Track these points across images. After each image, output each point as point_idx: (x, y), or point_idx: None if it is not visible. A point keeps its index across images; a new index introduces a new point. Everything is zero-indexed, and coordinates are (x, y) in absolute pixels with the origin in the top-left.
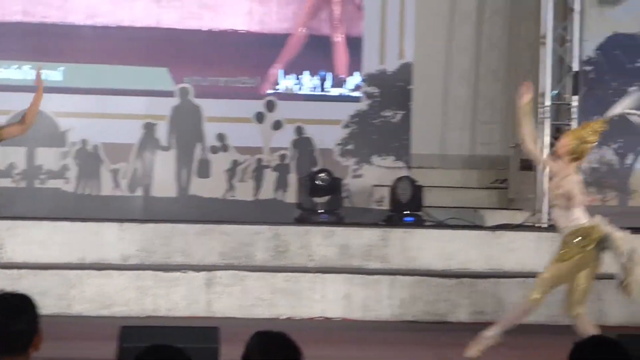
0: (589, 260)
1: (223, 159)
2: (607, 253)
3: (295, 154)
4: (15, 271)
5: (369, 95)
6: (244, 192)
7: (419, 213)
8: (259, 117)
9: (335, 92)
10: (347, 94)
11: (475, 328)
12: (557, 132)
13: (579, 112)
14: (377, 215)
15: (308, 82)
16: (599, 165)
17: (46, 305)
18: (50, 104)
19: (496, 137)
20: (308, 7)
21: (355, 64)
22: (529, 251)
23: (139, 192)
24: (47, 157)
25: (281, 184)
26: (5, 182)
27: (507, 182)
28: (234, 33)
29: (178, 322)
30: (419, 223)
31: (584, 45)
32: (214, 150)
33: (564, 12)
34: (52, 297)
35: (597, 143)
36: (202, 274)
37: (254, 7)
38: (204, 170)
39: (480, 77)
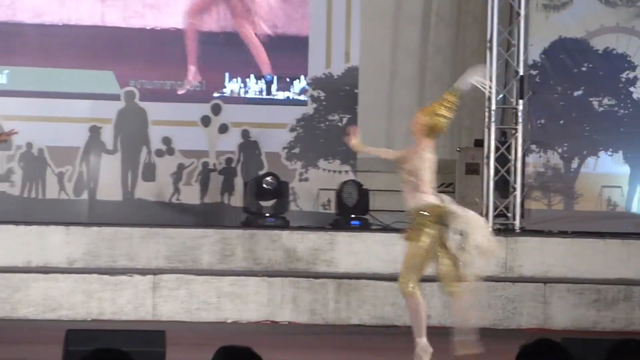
0: (437, 237)
1: (169, 162)
2: (448, 230)
3: (242, 157)
4: None
5: (315, 99)
6: (189, 195)
7: (365, 217)
8: (205, 121)
9: (281, 95)
10: (293, 97)
11: None
12: (503, 137)
13: (524, 115)
14: (323, 218)
15: (254, 86)
16: (545, 170)
17: None
18: None
19: (442, 141)
20: (201, 1)
21: (301, 67)
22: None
23: (84, 196)
24: None
25: (227, 188)
26: None
27: (452, 186)
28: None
29: (124, 325)
30: (365, 227)
31: (529, 50)
32: (160, 153)
33: (509, 16)
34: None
35: (451, 118)
36: (148, 277)
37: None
38: (150, 174)
39: (425, 82)
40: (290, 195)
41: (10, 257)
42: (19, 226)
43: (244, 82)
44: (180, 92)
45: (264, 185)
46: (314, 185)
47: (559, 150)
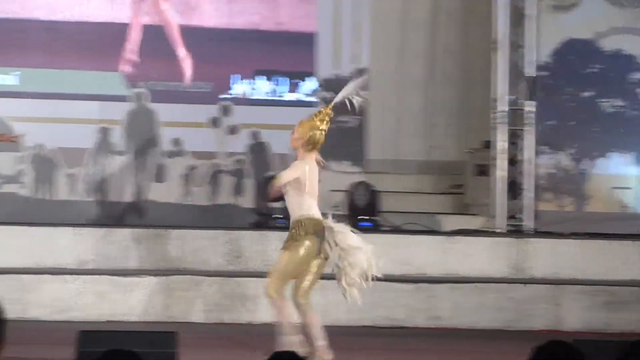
0: (311, 252)
1: (179, 163)
2: (326, 245)
3: (251, 158)
4: None
5: (324, 100)
6: (200, 197)
7: (376, 218)
8: (215, 122)
9: (290, 97)
10: (302, 98)
11: (432, 333)
12: (513, 137)
13: (535, 117)
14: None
15: (263, 87)
16: (556, 171)
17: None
18: (6, 108)
19: (451, 142)
20: None
21: (309, 66)
22: (484, 257)
23: (94, 197)
24: (2, 162)
25: (237, 189)
26: None
27: (462, 188)
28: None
29: (135, 327)
30: (375, 228)
31: (538, 51)
32: (170, 155)
33: (517, 17)
34: (7, 301)
35: (325, 129)
36: (159, 278)
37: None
38: (160, 175)
39: (434, 83)
40: None
41: (21, 259)
42: (30, 227)
43: (253, 83)
44: (188, 92)
45: None
46: (324, 186)
47: (569, 152)
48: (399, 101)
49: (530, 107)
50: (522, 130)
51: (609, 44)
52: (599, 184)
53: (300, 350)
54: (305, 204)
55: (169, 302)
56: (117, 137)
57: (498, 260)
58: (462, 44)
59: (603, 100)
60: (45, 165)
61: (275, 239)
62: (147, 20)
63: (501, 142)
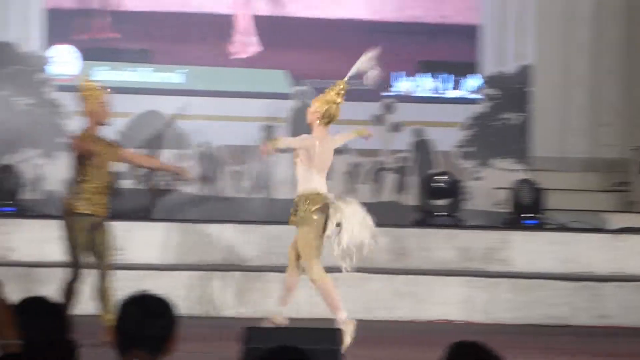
0: (320, 227)
1: (343, 161)
2: (329, 221)
3: (415, 156)
4: (135, 272)
5: (488, 98)
6: (363, 194)
7: (540, 216)
8: (378, 120)
9: (454, 94)
10: (466, 96)
11: (598, 332)
12: None
13: None
14: (497, 217)
15: (427, 84)
16: None
17: None
18: (173, 106)
19: (616, 139)
20: None
21: (473, 59)
22: None
23: (259, 194)
24: (170, 159)
25: (401, 187)
26: (127, 185)
27: (627, 185)
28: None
29: (300, 323)
30: (540, 226)
31: None
32: (334, 152)
33: None
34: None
35: (340, 102)
36: None
37: None
38: None
39: (598, 79)
40: (464, 194)
41: (187, 256)
42: (196, 224)
43: (416, 80)
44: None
45: (438, 184)
46: (488, 183)
47: None
48: (564, 98)
49: None
50: None
51: None
52: None
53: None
54: (312, 178)
55: None
56: (281, 134)
57: None
58: (627, 39)
59: None
60: (212, 162)
61: (438, 236)
62: (315, 13)
63: None
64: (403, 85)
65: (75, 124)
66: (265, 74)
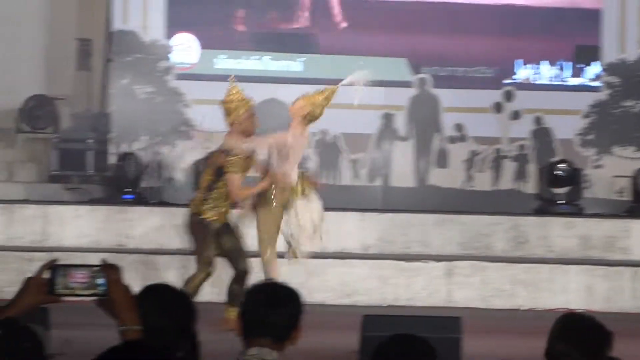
0: (278, 217)
1: (461, 149)
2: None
3: (534, 144)
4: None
5: (609, 85)
6: (482, 182)
7: None
8: (497, 107)
9: (574, 81)
10: (586, 83)
11: None
12: None
13: None
14: (618, 206)
15: (547, 72)
16: None
17: None
18: (291, 94)
19: None
20: None
21: (593, 51)
22: None
23: (378, 182)
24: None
25: (520, 175)
26: None
27: None
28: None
29: (418, 311)
30: None
31: None
32: (452, 140)
33: None
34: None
35: (325, 106)
36: (442, 264)
37: None
38: (442, 161)
39: None
40: (584, 182)
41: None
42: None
43: (536, 68)
44: (471, 77)
45: (558, 172)
46: (608, 172)
47: None
48: None
49: None
50: None
51: None
52: None
53: None
54: (287, 172)
55: (453, 287)
56: (401, 122)
57: None
58: None
59: None
60: (329, 150)
61: (558, 225)
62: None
63: None
64: (523, 72)
65: (193, 113)
66: (385, 62)
